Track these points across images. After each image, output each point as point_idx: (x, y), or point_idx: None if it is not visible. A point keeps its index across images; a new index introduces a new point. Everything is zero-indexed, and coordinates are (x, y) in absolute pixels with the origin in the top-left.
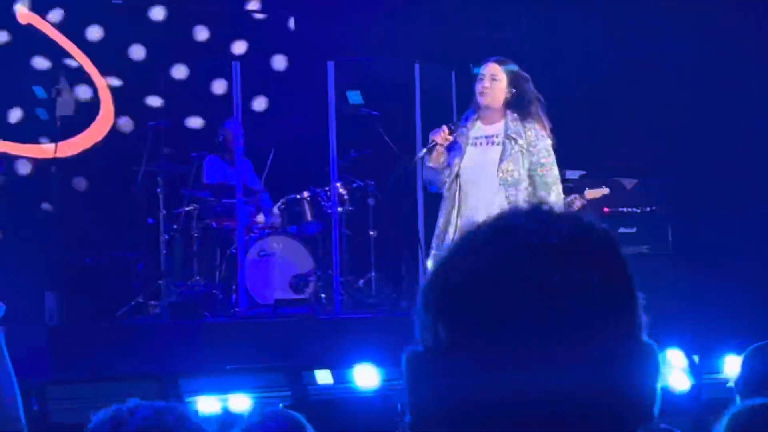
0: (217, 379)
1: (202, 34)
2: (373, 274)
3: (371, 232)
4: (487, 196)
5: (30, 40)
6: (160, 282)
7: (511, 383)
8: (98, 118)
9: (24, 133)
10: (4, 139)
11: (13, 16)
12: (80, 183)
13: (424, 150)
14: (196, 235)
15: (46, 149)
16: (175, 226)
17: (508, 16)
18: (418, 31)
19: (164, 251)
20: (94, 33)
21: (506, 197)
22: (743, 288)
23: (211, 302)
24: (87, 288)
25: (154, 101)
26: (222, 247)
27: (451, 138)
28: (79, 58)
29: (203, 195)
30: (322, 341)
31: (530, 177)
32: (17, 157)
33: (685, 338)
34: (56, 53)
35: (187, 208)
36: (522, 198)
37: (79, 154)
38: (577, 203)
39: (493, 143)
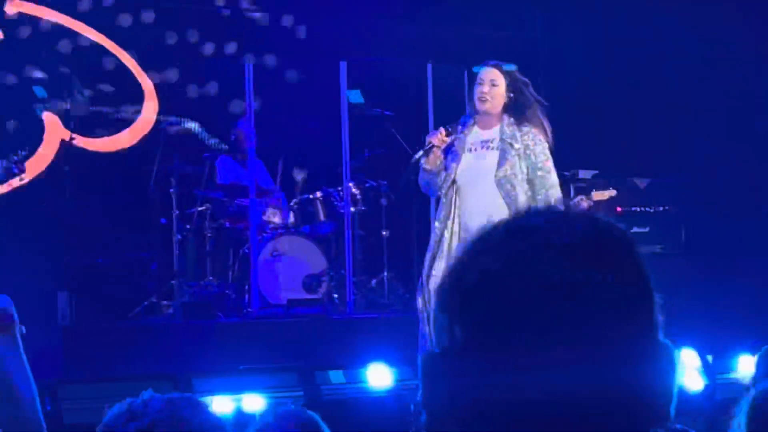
0: (230, 379)
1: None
2: (385, 274)
3: (384, 232)
4: (484, 201)
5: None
6: (173, 282)
7: (527, 383)
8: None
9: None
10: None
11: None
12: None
13: (421, 152)
14: (209, 235)
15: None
16: (188, 226)
17: (521, 15)
18: (430, 31)
19: (177, 251)
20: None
21: (504, 202)
22: (757, 287)
23: (224, 302)
24: (100, 288)
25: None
26: (235, 247)
27: (447, 140)
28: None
29: (216, 195)
30: (334, 341)
31: (529, 181)
32: (27, 157)
33: (699, 338)
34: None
35: (200, 208)
36: (521, 202)
37: (91, 154)
38: (584, 204)
39: (488, 148)
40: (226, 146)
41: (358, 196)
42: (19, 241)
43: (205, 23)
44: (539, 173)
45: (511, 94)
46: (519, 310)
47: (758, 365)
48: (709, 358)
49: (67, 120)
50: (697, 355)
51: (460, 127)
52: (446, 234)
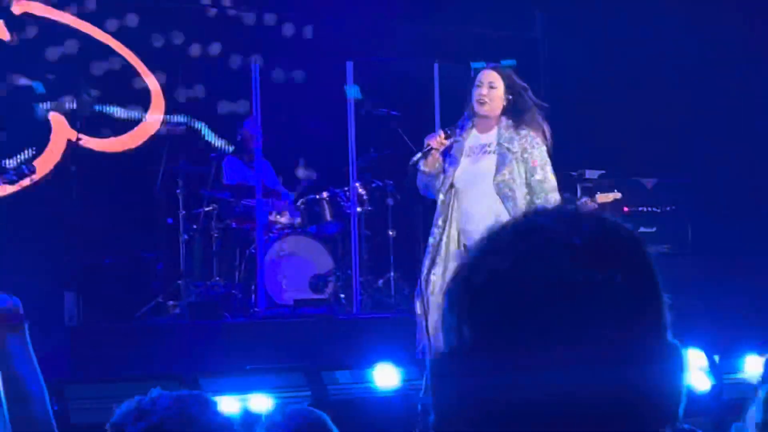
0: (237, 379)
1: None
2: (392, 274)
3: (390, 232)
4: (483, 206)
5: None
6: (180, 282)
7: (536, 383)
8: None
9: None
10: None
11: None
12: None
13: (419, 154)
14: (215, 235)
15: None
16: (194, 227)
17: (527, 15)
18: (437, 31)
19: (184, 251)
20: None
21: (503, 206)
22: (764, 288)
23: (230, 302)
24: (106, 288)
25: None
26: (241, 248)
27: (446, 143)
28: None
29: (223, 195)
30: (341, 341)
31: (527, 185)
32: (35, 156)
33: (705, 338)
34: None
35: (206, 209)
36: (519, 206)
37: (98, 155)
38: (588, 207)
39: (486, 152)
40: (233, 147)
41: (365, 196)
42: (26, 242)
43: (210, 24)
44: (537, 177)
45: (510, 97)
46: (527, 310)
47: (766, 365)
48: (716, 358)
49: (73, 120)
50: (704, 355)
51: (458, 131)
52: (444, 238)
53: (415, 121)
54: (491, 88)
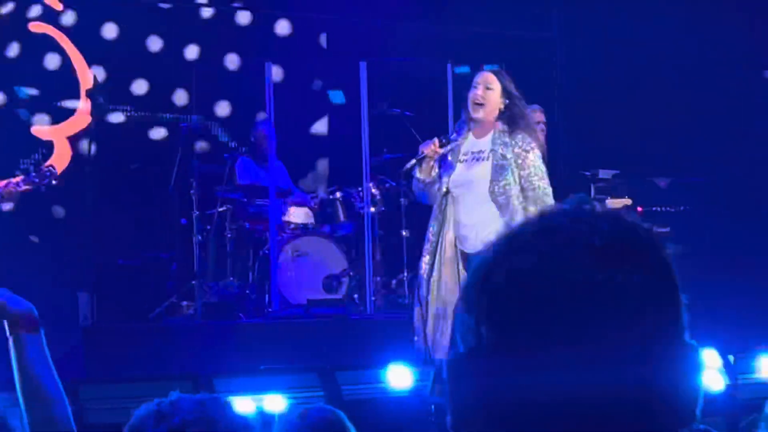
0: (251, 379)
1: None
2: (405, 274)
3: (404, 233)
4: (477, 212)
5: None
6: (194, 282)
7: (554, 384)
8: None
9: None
10: None
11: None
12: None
13: (413, 161)
14: (229, 235)
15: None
16: (208, 227)
17: (541, 16)
18: (450, 32)
19: (197, 252)
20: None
21: (498, 212)
22: None
23: (244, 303)
24: (120, 288)
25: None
26: (255, 248)
27: (441, 151)
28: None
29: (236, 196)
30: (355, 341)
31: (522, 190)
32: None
33: (720, 338)
34: None
35: (220, 209)
36: (514, 212)
37: (112, 156)
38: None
39: (481, 159)
40: (246, 147)
41: (378, 197)
42: (41, 242)
43: (224, 25)
44: (532, 183)
45: (506, 101)
46: (547, 310)
47: None
48: (731, 358)
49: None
50: (718, 355)
51: (455, 135)
52: (440, 244)
53: (429, 121)
54: (488, 90)
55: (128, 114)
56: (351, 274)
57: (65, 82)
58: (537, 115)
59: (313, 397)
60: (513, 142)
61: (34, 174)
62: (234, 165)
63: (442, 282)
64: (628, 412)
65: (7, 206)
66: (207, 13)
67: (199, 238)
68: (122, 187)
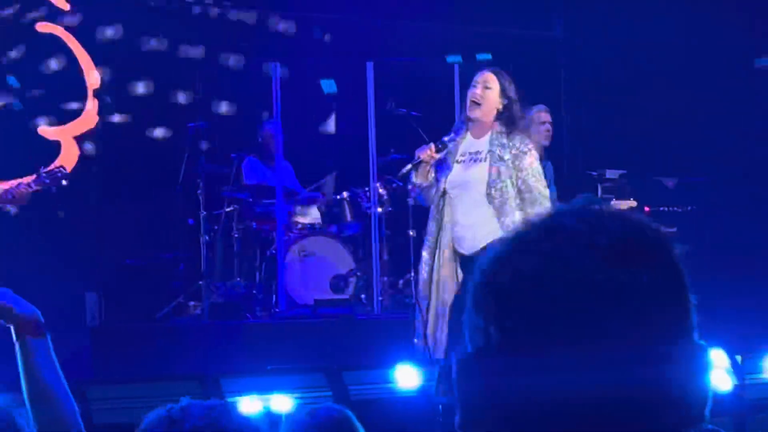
0: (258, 379)
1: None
2: (412, 274)
3: (411, 233)
4: (474, 214)
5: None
6: (201, 283)
7: (562, 384)
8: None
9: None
10: None
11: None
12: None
13: (409, 166)
14: (236, 236)
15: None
16: (215, 227)
17: (547, 15)
18: (457, 31)
19: (205, 252)
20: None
21: (495, 214)
22: None
23: (251, 303)
24: (128, 289)
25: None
26: (262, 248)
27: (437, 156)
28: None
29: (243, 196)
30: (362, 341)
31: (519, 192)
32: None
33: (727, 338)
34: None
35: (227, 209)
36: (511, 214)
37: (119, 156)
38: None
39: (478, 160)
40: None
41: (385, 197)
42: (48, 243)
43: (230, 25)
44: (529, 185)
45: (505, 101)
46: (554, 310)
47: None
48: (738, 358)
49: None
50: (726, 355)
51: (452, 135)
52: (438, 245)
53: (435, 121)
54: (486, 89)
55: (133, 114)
56: (358, 274)
57: (70, 82)
58: (542, 115)
59: (320, 397)
60: (510, 144)
61: (45, 175)
62: (241, 165)
63: (442, 283)
64: (636, 413)
65: (14, 207)
66: (212, 12)
67: (207, 238)
68: (129, 188)
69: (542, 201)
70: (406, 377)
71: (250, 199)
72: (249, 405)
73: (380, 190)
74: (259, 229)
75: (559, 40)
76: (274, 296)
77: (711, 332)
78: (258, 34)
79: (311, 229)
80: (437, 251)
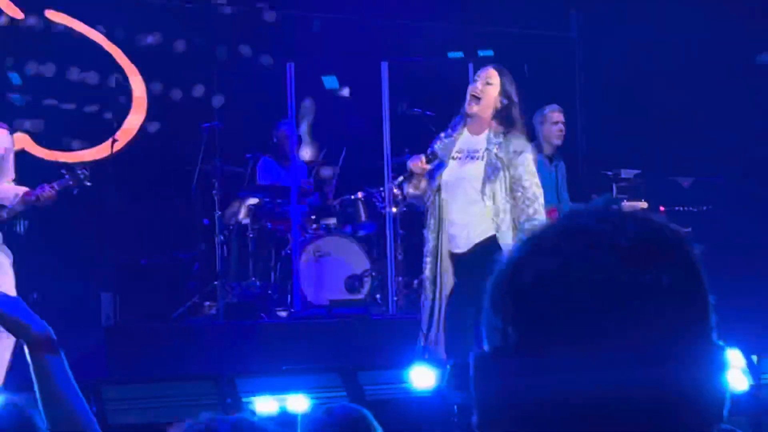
0: (273, 380)
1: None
2: None
3: (425, 232)
4: (469, 211)
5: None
6: (216, 283)
7: (581, 384)
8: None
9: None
10: None
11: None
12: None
13: (401, 178)
14: (251, 236)
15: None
16: (230, 227)
17: (561, 15)
18: (472, 31)
19: (219, 252)
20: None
21: (489, 213)
22: None
23: (266, 303)
24: (143, 289)
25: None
26: (277, 248)
27: (428, 167)
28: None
29: (258, 196)
30: (377, 341)
31: (512, 191)
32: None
33: (743, 338)
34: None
35: (242, 209)
36: (504, 213)
37: (135, 155)
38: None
39: (474, 158)
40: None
41: (399, 197)
42: (64, 243)
43: (246, 25)
44: (523, 185)
45: (504, 100)
46: (573, 310)
47: None
48: (754, 358)
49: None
50: (742, 355)
51: (449, 131)
52: (440, 243)
53: (450, 121)
54: (487, 84)
55: (148, 114)
56: (373, 274)
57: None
58: (555, 115)
59: (335, 397)
60: (507, 143)
61: (68, 176)
62: (256, 165)
63: (444, 282)
64: (654, 413)
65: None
66: (229, 12)
67: (221, 238)
68: (144, 188)
69: (536, 202)
70: (421, 377)
71: (266, 199)
72: (264, 405)
73: (395, 190)
74: (274, 229)
75: (574, 41)
76: (289, 296)
77: (726, 332)
78: (273, 33)
79: (326, 230)
80: (438, 250)
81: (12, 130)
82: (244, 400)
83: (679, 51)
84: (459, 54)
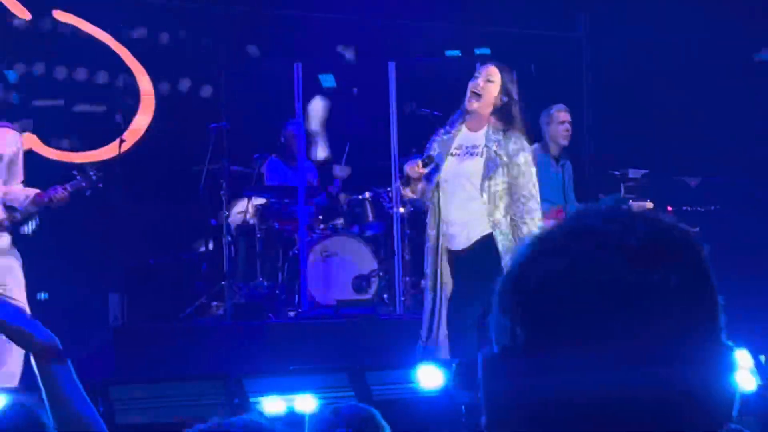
0: (280, 380)
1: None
2: None
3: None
4: (468, 208)
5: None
6: (223, 283)
7: (589, 384)
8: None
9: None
10: None
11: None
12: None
13: (398, 183)
14: (258, 236)
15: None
16: (237, 227)
17: (568, 15)
18: (479, 31)
19: (227, 252)
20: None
21: (487, 210)
22: None
23: (274, 303)
24: (150, 289)
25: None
26: (284, 248)
27: (424, 171)
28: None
29: (266, 196)
30: (384, 341)
31: (509, 188)
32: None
33: (751, 338)
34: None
35: (249, 210)
36: (502, 210)
37: (142, 155)
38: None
39: (473, 154)
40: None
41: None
42: (72, 244)
43: (254, 25)
44: (519, 182)
45: (504, 98)
46: (581, 311)
47: None
48: (762, 358)
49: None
50: (750, 355)
51: (447, 127)
52: (436, 238)
53: None
54: (488, 81)
55: (155, 114)
56: (380, 274)
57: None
58: (562, 115)
59: (342, 397)
60: (506, 141)
61: (80, 178)
62: (262, 166)
63: (444, 281)
64: (662, 414)
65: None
66: (236, 12)
67: (229, 238)
68: (152, 188)
69: (532, 200)
70: (429, 377)
71: (273, 200)
72: (272, 405)
73: (402, 190)
74: (281, 230)
75: (581, 41)
76: (296, 296)
77: (734, 332)
78: (280, 33)
79: (333, 230)
80: (438, 246)
81: (20, 131)
82: (252, 400)
83: (685, 50)
84: (456, 52)
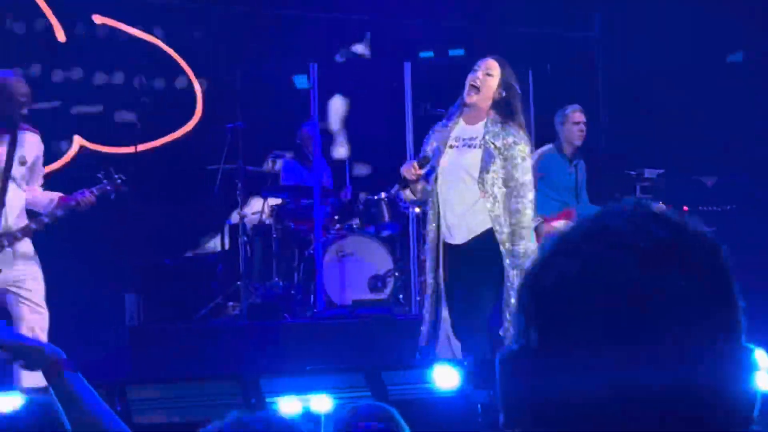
0: (297, 380)
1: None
2: None
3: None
4: (466, 200)
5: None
6: (239, 283)
7: (604, 385)
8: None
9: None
10: None
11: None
12: None
13: (397, 186)
14: (274, 236)
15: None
16: (253, 227)
17: (585, 15)
18: (493, 30)
19: (243, 252)
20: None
21: (485, 203)
22: None
23: (289, 303)
24: (166, 289)
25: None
26: (300, 248)
27: (421, 172)
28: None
29: (282, 196)
30: (400, 341)
31: (505, 181)
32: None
33: None
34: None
35: (265, 210)
36: (501, 203)
37: (158, 155)
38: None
39: (471, 146)
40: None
41: None
42: (87, 245)
43: (270, 26)
44: (518, 176)
45: (503, 92)
46: (594, 312)
47: None
48: None
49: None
50: (767, 355)
51: (445, 120)
52: (436, 231)
53: None
54: (487, 75)
55: (171, 114)
56: (396, 274)
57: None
58: (576, 115)
59: (359, 397)
60: (504, 134)
61: (106, 182)
62: (276, 166)
63: (446, 280)
64: (681, 415)
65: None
66: (252, 11)
67: (245, 238)
68: (167, 188)
69: (524, 198)
70: (445, 377)
71: (288, 200)
72: (288, 405)
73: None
74: (297, 230)
75: (597, 40)
76: (312, 297)
77: (753, 332)
78: (295, 34)
79: (349, 230)
80: (438, 241)
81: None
82: (268, 400)
83: (701, 50)
84: (460, 52)
